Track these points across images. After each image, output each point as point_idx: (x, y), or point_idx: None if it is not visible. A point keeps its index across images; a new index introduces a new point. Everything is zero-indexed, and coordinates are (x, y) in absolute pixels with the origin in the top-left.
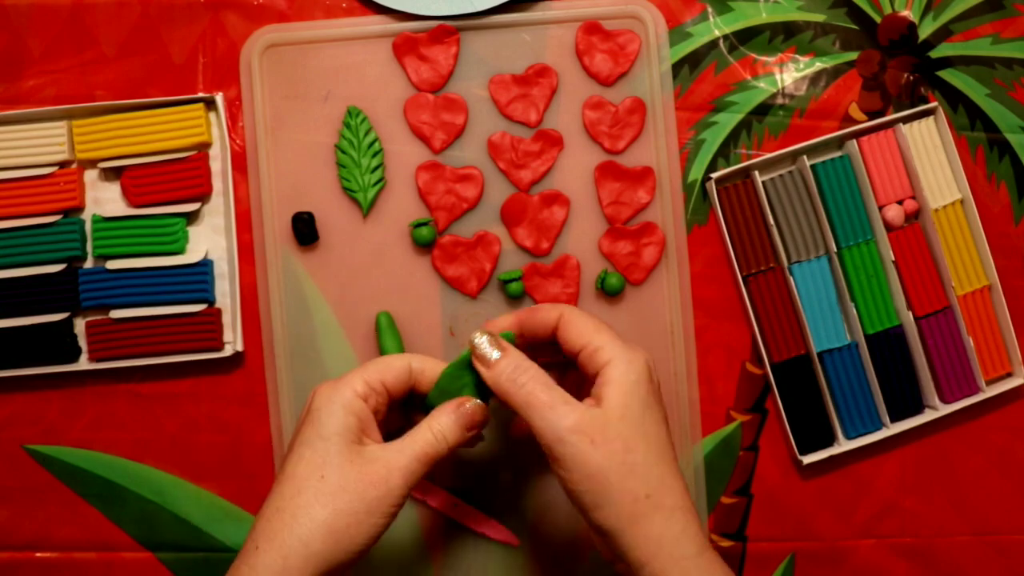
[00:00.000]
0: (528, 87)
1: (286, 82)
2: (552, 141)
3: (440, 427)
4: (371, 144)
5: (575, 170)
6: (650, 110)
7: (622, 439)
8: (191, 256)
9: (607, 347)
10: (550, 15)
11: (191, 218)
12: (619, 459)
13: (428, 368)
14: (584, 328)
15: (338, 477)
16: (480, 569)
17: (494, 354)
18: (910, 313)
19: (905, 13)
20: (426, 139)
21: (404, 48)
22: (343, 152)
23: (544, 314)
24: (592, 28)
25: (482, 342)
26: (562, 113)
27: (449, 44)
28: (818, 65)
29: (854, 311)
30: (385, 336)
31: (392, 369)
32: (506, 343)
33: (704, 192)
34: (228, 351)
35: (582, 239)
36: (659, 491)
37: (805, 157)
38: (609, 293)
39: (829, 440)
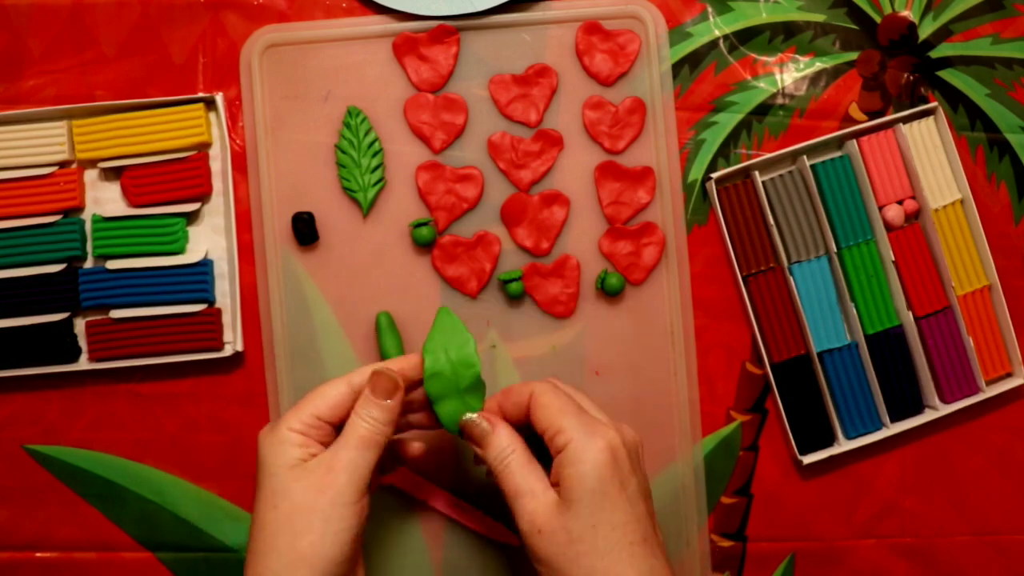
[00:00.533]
0: (528, 87)
1: (286, 82)
2: (552, 141)
3: (364, 409)
4: (371, 144)
5: (575, 170)
6: (650, 110)
7: (566, 530)
8: (191, 256)
9: (567, 430)
10: (550, 15)
11: (191, 218)
12: (562, 550)
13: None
14: (550, 407)
15: (288, 501)
16: (480, 569)
17: (486, 433)
18: (910, 313)
19: (905, 13)
20: (426, 139)
21: (404, 48)
22: (343, 152)
23: (516, 395)
24: (592, 28)
25: (474, 421)
26: (562, 113)
27: (449, 44)
28: (818, 65)
29: (854, 311)
30: (385, 336)
31: (326, 399)
32: (498, 422)
33: (704, 192)
34: (228, 351)
35: (582, 239)
36: None
37: (805, 157)
38: (609, 293)
39: (829, 440)
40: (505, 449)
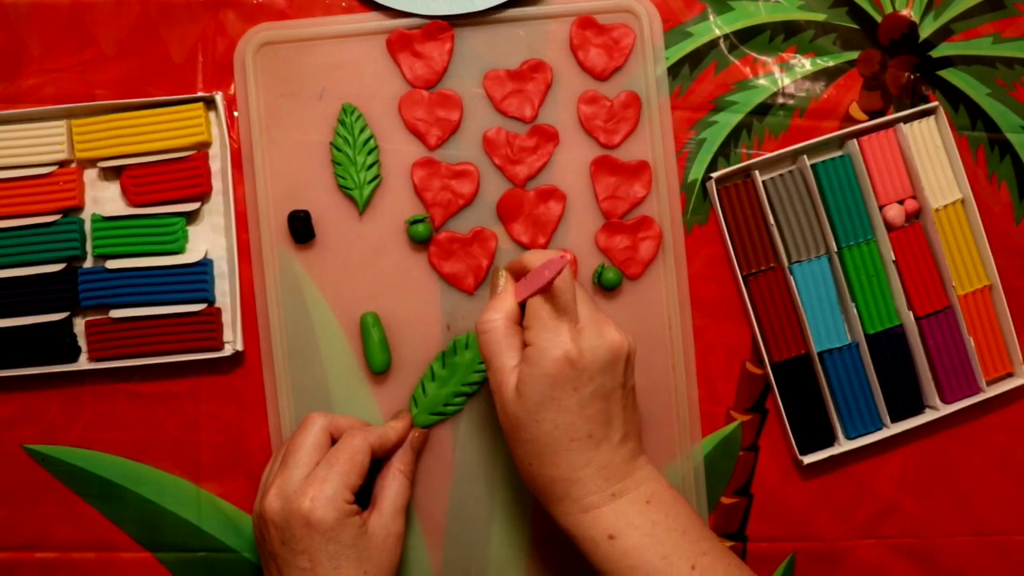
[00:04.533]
0: (523, 82)
1: (280, 80)
2: (547, 136)
3: (403, 465)
4: (366, 141)
5: (571, 165)
6: (645, 104)
7: (515, 415)
8: (191, 256)
9: (530, 331)
10: (544, 10)
11: (191, 217)
12: (511, 429)
13: (386, 433)
14: (531, 303)
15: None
16: (480, 569)
17: (495, 290)
18: (911, 313)
19: (906, 12)
20: (421, 136)
21: (398, 45)
22: (338, 150)
23: (515, 264)
24: (586, 23)
25: (501, 273)
26: (557, 108)
27: (443, 40)
28: (819, 64)
29: (854, 311)
30: (370, 336)
31: (362, 465)
32: (507, 287)
33: (704, 192)
34: (228, 351)
35: (579, 234)
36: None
37: (805, 157)
38: (606, 287)
39: (829, 440)
40: (490, 321)
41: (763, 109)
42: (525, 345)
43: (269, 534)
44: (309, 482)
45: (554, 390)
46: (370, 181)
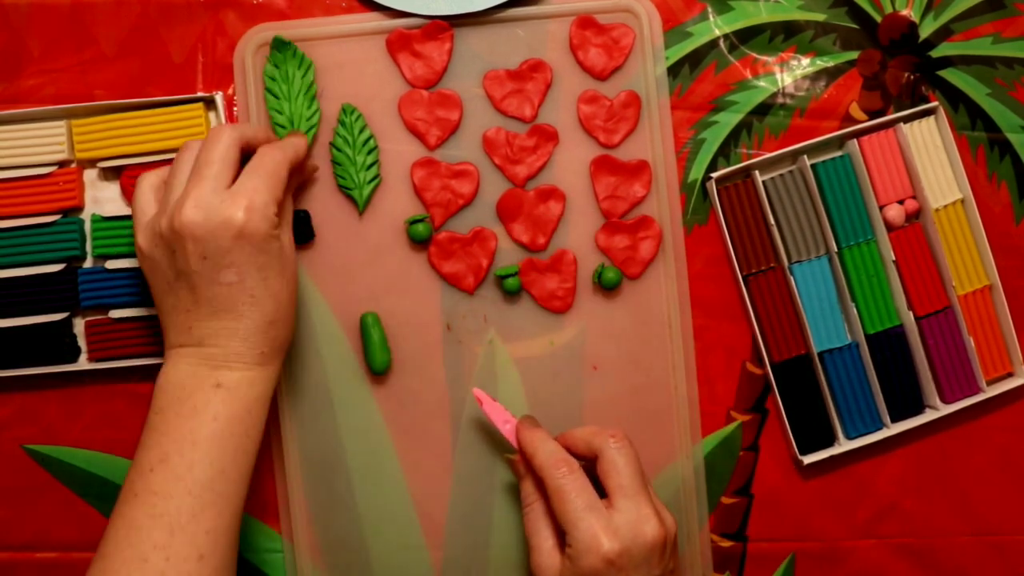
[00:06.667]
0: (523, 82)
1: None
2: (547, 136)
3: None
4: (366, 141)
5: (571, 165)
6: (645, 103)
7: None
8: None
9: (573, 532)
10: (544, 10)
11: None
12: None
13: (298, 146)
14: (575, 503)
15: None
16: (480, 569)
17: (519, 475)
18: (911, 313)
19: (906, 12)
20: (421, 136)
21: (398, 45)
22: (338, 150)
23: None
24: (586, 22)
25: (514, 461)
26: (557, 108)
27: (443, 40)
28: (819, 64)
29: (854, 311)
30: (370, 335)
31: (284, 179)
32: (523, 473)
33: (704, 192)
34: None
35: (579, 233)
36: None
37: (805, 157)
38: (606, 287)
39: (829, 440)
40: (529, 496)
41: (763, 109)
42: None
43: (185, 250)
44: (238, 193)
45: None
46: (370, 181)
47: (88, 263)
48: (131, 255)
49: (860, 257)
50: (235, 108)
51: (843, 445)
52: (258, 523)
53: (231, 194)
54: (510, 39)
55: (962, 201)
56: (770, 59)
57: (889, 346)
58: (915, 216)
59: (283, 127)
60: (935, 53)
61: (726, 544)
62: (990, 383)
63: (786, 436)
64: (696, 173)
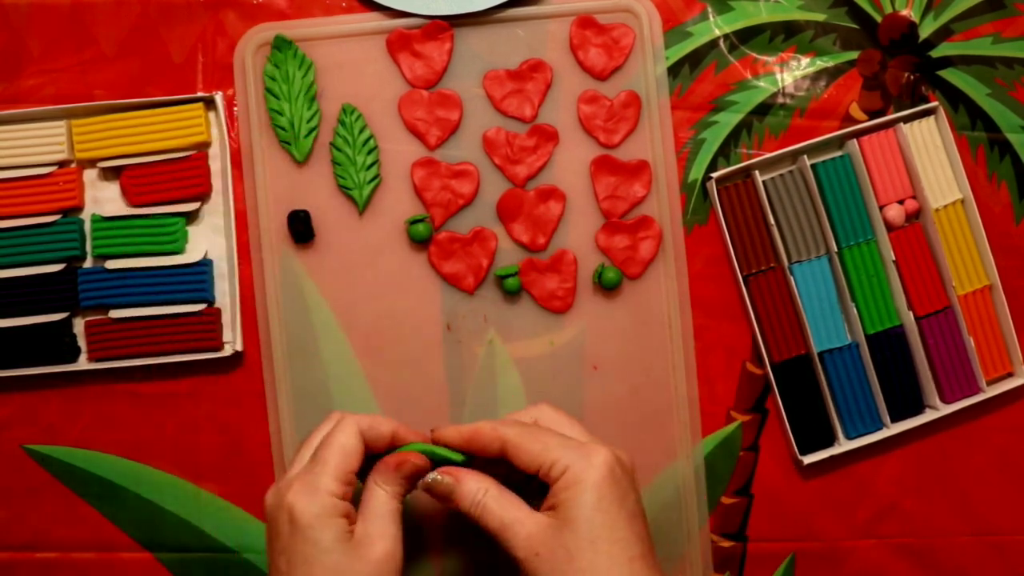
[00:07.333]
0: (523, 82)
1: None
2: (547, 136)
3: (390, 486)
4: (366, 141)
5: (571, 164)
6: (645, 103)
7: (565, 548)
8: (190, 256)
9: (561, 460)
10: (544, 10)
11: (190, 218)
12: (562, 568)
13: (377, 423)
14: (532, 450)
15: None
16: (480, 569)
17: (451, 488)
18: (911, 313)
19: (906, 12)
20: (421, 136)
21: (398, 44)
22: (338, 150)
23: (486, 440)
24: (586, 22)
25: (436, 480)
26: (557, 108)
27: (443, 40)
28: (819, 64)
29: (854, 311)
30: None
31: (352, 455)
32: (458, 472)
33: (704, 192)
34: (228, 351)
35: (579, 233)
36: None
37: (805, 157)
38: (606, 287)
39: (829, 440)
40: (476, 493)
41: (763, 109)
42: (552, 483)
43: (265, 532)
44: (299, 474)
45: (603, 503)
46: (370, 181)
47: (88, 263)
48: (131, 255)
49: (860, 257)
50: (235, 108)
51: (843, 445)
52: (258, 523)
53: (296, 475)
54: (510, 39)
55: (962, 201)
56: (770, 59)
57: (889, 346)
58: (915, 216)
59: (283, 128)
60: (935, 53)
61: (726, 544)
62: (990, 383)
63: (786, 436)
64: (696, 173)
